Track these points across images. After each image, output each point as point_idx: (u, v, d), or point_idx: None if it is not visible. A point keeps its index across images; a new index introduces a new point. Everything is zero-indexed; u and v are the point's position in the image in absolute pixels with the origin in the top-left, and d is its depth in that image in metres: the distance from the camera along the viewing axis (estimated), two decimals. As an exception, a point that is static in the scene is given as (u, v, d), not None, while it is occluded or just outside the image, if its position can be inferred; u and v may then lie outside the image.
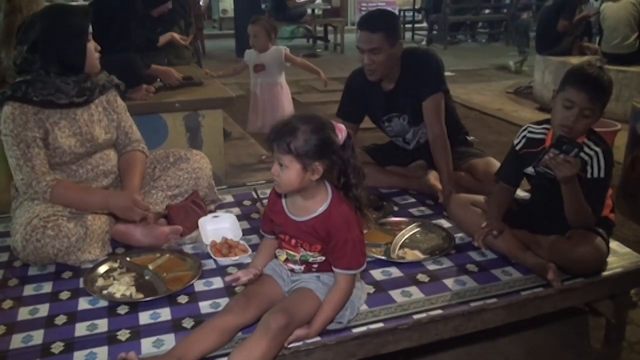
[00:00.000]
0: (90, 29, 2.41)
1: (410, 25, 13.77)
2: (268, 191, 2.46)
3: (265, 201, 2.46)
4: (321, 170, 1.69)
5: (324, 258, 1.80)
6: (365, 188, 1.80)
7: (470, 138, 3.20)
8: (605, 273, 2.19)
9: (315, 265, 1.83)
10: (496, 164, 2.75)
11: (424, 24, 13.94)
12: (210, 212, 2.65)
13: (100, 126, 2.51)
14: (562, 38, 6.68)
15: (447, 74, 3.18)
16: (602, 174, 2.13)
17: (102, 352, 1.74)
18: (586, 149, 2.13)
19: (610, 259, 2.24)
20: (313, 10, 11.64)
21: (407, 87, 2.87)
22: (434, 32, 12.79)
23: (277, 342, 1.67)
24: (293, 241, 1.82)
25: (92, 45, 2.42)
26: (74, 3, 3.63)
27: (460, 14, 12.73)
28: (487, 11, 13.35)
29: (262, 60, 4.32)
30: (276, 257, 1.91)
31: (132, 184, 2.50)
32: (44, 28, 2.31)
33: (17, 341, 1.81)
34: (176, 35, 4.49)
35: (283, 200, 1.84)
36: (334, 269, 1.78)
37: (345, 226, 1.74)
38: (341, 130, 1.71)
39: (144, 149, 2.66)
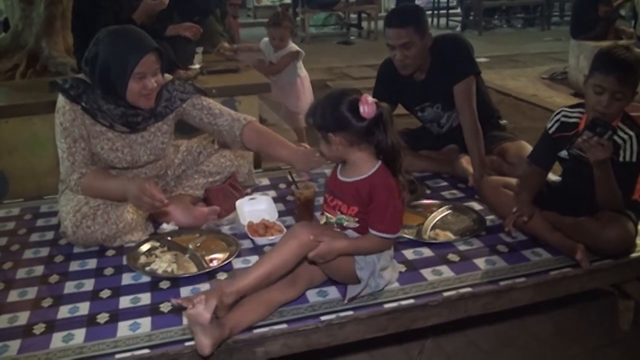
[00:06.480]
0: (157, 65, 2.29)
1: (444, 11, 13.68)
2: (302, 174, 2.56)
3: (300, 184, 2.54)
4: (335, 140, 1.81)
5: (357, 225, 1.88)
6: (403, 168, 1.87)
7: (503, 122, 3.22)
8: (633, 255, 2.20)
9: (349, 231, 1.91)
10: (528, 147, 2.77)
11: (459, 10, 13.83)
12: (247, 194, 2.73)
13: (147, 147, 2.48)
14: (597, 22, 6.59)
15: (481, 60, 3.17)
16: (634, 158, 2.14)
17: (145, 322, 1.84)
18: (620, 133, 2.14)
19: (639, 240, 2.24)
20: (346, -3, 11.63)
21: (439, 76, 2.89)
22: (470, 17, 12.68)
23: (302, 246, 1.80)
24: (334, 202, 1.92)
25: (142, 83, 2.25)
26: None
27: (494, -1, 12.62)
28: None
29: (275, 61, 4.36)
30: None
31: (281, 154, 2.57)
32: (100, 49, 2.24)
33: (64, 312, 1.91)
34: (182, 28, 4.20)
35: (339, 166, 1.95)
36: (370, 230, 1.85)
37: (388, 191, 1.82)
38: (366, 103, 1.75)
39: (245, 118, 2.61)
